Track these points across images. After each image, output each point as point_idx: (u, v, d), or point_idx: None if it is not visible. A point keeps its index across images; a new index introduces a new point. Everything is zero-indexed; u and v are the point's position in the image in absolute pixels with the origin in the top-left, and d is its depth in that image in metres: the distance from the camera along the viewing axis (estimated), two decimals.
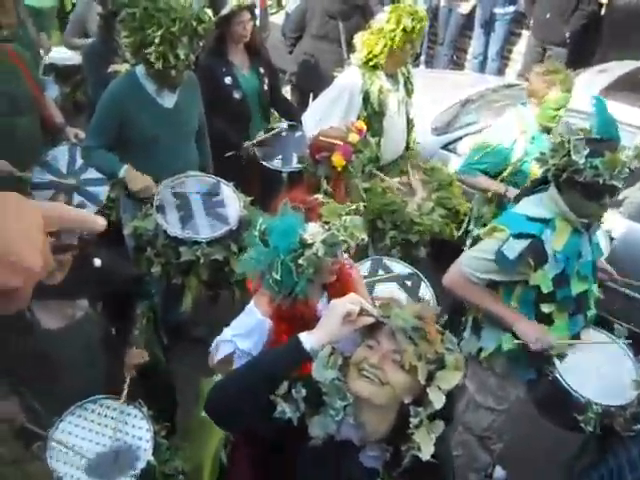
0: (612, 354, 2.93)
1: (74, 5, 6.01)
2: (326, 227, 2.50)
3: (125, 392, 2.74)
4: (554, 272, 2.78)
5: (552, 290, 2.81)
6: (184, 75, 3.53)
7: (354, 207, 2.67)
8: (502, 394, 3.20)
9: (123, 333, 2.88)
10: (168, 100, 3.64)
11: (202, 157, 4.00)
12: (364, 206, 3.91)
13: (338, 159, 3.35)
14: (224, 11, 4.31)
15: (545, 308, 2.86)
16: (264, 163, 4.38)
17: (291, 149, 4.46)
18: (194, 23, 3.30)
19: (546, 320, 2.89)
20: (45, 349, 2.64)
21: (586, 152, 2.60)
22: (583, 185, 2.65)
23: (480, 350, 3.10)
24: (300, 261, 2.40)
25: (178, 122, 3.67)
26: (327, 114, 3.96)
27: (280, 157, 4.46)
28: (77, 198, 4.06)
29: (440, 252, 4.15)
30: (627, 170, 2.62)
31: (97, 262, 2.71)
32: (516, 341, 2.88)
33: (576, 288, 2.86)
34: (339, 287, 2.74)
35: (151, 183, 3.56)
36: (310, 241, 2.42)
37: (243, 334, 2.62)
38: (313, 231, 2.45)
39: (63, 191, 4.05)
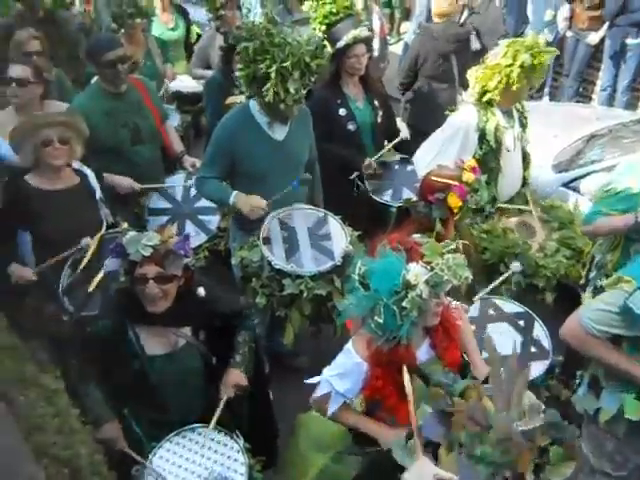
0: None
1: (199, 36, 6.25)
2: (428, 267, 2.42)
3: (217, 415, 2.73)
4: None
5: None
6: (295, 108, 3.54)
7: (453, 245, 2.55)
8: (621, 460, 2.92)
9: (224, 362, 2.89)
10: (279, 133, 3.66)
11: (311, 190, 3.99)
12: (484, 249, 3.79)
13: (454, 200, 3.26)
14: (340, 44, 4.32)
15: None
16: (374, 197, 4.33)
17: (402, 183, 4.39)
18: (308, 59, 3.32)
19: None
20: (148, 375, 2.71)
21: None
22: None
23: (598, 410, 2.85)
24: (404, 303, 2.33)
25: (288, 154, 3.68)
26: (441, 153, 3.86)
27: (390, 191, 4.41)
28: (189, 226, 4.19)
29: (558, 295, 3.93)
30: None
31: (201, 292, 2.78)
32: None
33: None
34: (443, 332, 2.64)
35: (261, 202, 3.57)
36: (413, 282, 2.35)
37: (339, 375, 2.59)
38: (416, 272, 2.38)
39: (177, 218, 4.19)
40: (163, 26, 5.96)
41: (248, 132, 3.60)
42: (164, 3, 6.02)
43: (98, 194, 3.67)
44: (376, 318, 2.35)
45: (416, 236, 2.67)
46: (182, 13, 6.24)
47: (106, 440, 2.65)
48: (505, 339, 3.22)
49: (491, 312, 3.42)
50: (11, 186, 3.50)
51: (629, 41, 7.11)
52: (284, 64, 3.26)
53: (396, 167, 4.57)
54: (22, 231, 3.48)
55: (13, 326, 2.73)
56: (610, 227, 3.59)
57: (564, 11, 7.25)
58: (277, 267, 3.39)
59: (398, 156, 4.61)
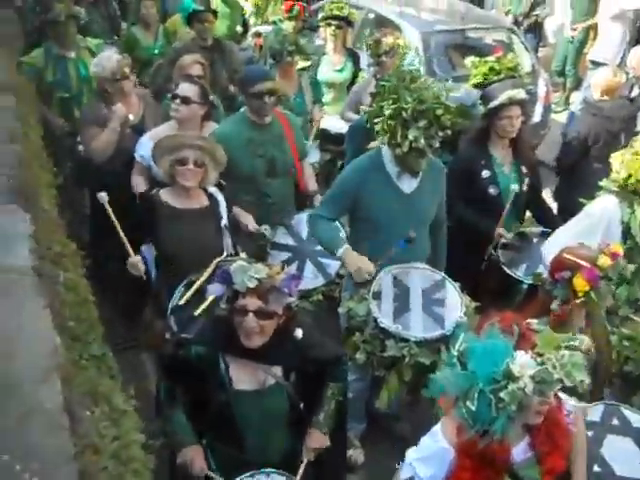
0: None
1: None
2: (539, 359, 2.19)
3: (299, 476, 2.66)
4: None
5: None
6: (422, 161, 3.41)
7: (577, 341, 2.24)
8: None
9: (310, 411, 2.80)
10: (408, 185, 3.54)
11: (434, 250, 3.79)
12: (626, 358, 3.36)
13: (580, 282, 2.95)
14: (493, 103, 4.14)
15: None
16: (504, 268, 4.03)
17: (539, 259, 4.04)
18: (439, 110, 3.17)
19: None
20: (232, 409, 2.65)
21: None
22: None
23: None
24: (502, 394, 2.11)
25: (414, 209, 3.54)
26: (581, 240, 3.50)
27: (524, 265, 4.07)
28: (309, 266, 4.11)
29: None
30: None
31: (299, 333, 2.68)
32: None
33: None
34: (546, 433, 2.34)
35: (368, 268, 3.41)
36: (517, 374, 2.12)
37: (423, 459, 2.39)
38: (522, 362, 2.15)
39: (298, 257, 4.14)
40: (331, 66, 6.06)
41: (376, 179, 3.52)
42: (336, 45, 6.12)
43: (224, 221, 3.71)
44: (468, 403, 2.14)
45: (533, 321, 2.39)
46: (353, 57, 6.33)
47: (186, 463, 2.64)
48: (626, 457, 2.79)
49: (615, 422, 2.97)
50: (145, 198, 3.65)
51: None
52: (405, 106, 3.17)
53: (535, 240, 4.25)
54: (147, 243, 3.57)
55: (110, 336, 2.76)
56: None
57: None
58: (382, 325, 3.22)
59: (539, 229, 4.31)
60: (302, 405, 2.77)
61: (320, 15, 6.20)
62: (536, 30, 9.35)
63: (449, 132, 3.30)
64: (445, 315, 3.30)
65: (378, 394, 3.44)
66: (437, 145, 3.34)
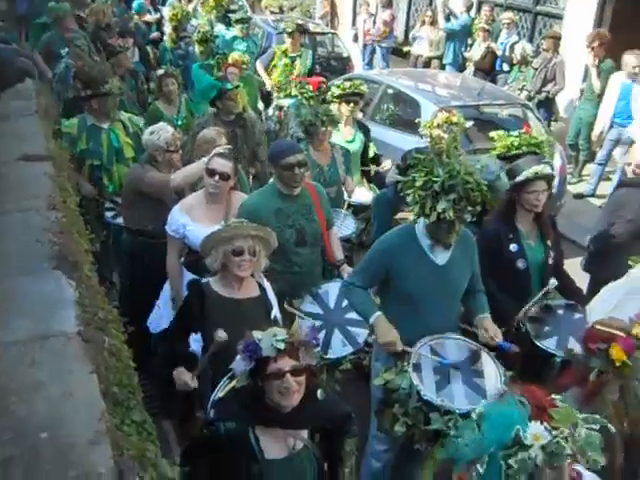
0: None
1: (376, 154, 6.43)
2: (553, 432, 2.15)
3: None
4: None
5: None
6: (454, 234, 3.44)
7: (599, 419, 2.21)
8: None
9: (331, 469, 2.79)
10: (441, 257, 3.56)
11: (480, 308, 3.76)
12: None
13: (617, 352, 2.94)
14: (520, 178, 4.17)
15: None
16: (536, 342, 3.96)
17: (568, 332, 3.96)
18: (470, 187, 3.25)
19: None
20: (265, 478, 2.59)
21: None
22: None
23: None
24: (511, 461, 2.10)
25: (447, 280, 3.56)
26: (619, 307, 3.52)
27: (555, 338, 4.00)
28: (337, 335, 4.09)
29: None
30: None
31: (320, 394, 2.65)
32: None
33: None
34: None
35: (396, 341, 3.43)
36: (528, 442, 2.11)
37: None
38: (535, 432, 2.13)
39: (326, 326, 4.12)
40: (341, 137, 6.19)
41: (409, 251, 3.54)
42: (346, 116, 6.27)
43: (275, 311, 3.67)
44: (478, 467, 2.13)
45: (557, 397, 2.36)
46: (362, 129, 6.48)
47: None
48: None
49: None
50: (194, 287, 3.56)
51: None
52: (435, 179, 3.24)
53: (560, 312, 4.22)
54: (195, 333, 3.50)
55: (149, 404, 2.72)
56: None
57: None
58: (426, 398, 3.19)
59: (564, 301, 4.27)
60: (326, 466, 2.75)
61: (335, 91, 6.36)
62: (548, 105, 9.56)
63: (479, 208, 3.35)
64: (486, 386, 3.27)
65: (414, 468, 3.37)
66: (468, 219, 3.39)
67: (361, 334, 4.04)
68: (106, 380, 2.24)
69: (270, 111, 8.42)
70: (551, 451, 2.12)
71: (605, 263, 4.90)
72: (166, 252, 4.31)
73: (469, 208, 3.33)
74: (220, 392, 3.13)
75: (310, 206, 4.37)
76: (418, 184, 3.38)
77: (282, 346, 2.52)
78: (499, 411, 2.23)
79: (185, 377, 3.31)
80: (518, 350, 3.46)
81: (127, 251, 4.96)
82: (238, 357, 2.63)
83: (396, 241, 3.63)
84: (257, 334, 2.60)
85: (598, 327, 3.11)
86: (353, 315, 4.05)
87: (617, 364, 2.97)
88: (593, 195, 8.84)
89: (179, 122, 6.74)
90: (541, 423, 2.19)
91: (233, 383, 3.07)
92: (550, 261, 4.31)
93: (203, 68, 7.70)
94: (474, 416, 2.29)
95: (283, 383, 2.52)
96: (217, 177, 4.17)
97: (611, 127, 8.55)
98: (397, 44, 13.63)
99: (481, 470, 2.15)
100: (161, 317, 4.35)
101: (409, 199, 3.48)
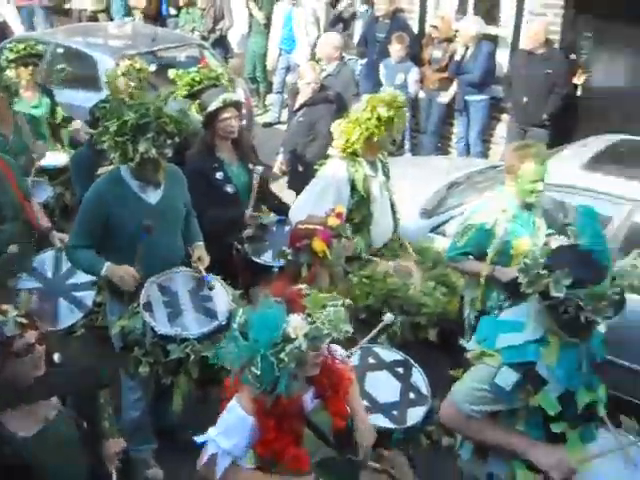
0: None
1: (64, 117, 6.12)
2: (309, 319, 2.41)
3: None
4: (557, 392, 2.52)
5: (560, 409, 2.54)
6: (162, 171, 3.54)
7: (341, 301, 2.57)
8: None
9: (92, 425, 2.75)
10: (153, 196, 3.62)
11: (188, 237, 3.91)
12: (367, 294, 3.86)
13: (318, 244, 3.31)
14: (211, 107, 4.32)
15: (556, 428, 2.57)
16: (253, 258, 4.29)
17: (281, 244, 4.36)
18: (164, 120, 3.36)
19: (558, 439, 2.60)
20: (25, 458, 2.49)
21: (567, 282, 2.36)
22: (565, 321, 2.44)
23: (491, 477, 2.80)
24: (282, 355, 2.32)
25: (164, 217, 3.63)
26: (315, 208, 3.87)
27: (270, 252, 4.35)
28: (63, 303, 4.01)
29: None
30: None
31: (57, 357, 2.67)
32: (531, 472, 2.61)
33: (583, 399, 2.57)
34: (325, 380, 2.64)
35: (132, 272, 3.50)
36: (293, 335, 2.34)
37: (224, 432, 2.51)
38: (296, 324, 2.37)
39: (48, 297, 4.00)
40: (26, 103, 5.80)
41: (119, 197, 3.55)
42: (27, 82, 5.85)
43: None
44: (253, 369, 2.33)
45: (303, 287, 2.66)
46: (47, 93, 6.11)
47: None
48: (384, 387, 3.27)
49: (371, 361, 3.42)
50: None
51: (468, 98, 7.72)
52: (130, 121, 3.31)
53: (274, 228, 4.57)
54: None
55: None
56: (472, 271, 3.90)
57: (414, 74, 7.77)
58: (160, 332, 3.30)
59: (275, 217, 4.62)
60: (85, 424, 2.73)
61: (8, 55, 5.88)
62: (222, 42, 9.91)
63: (178, 139, 3.47)
64: (216, 308, 3.48)
65: (168, 404, 3.51)
66: (170, 154, 3.49)
67: (88, 296, 4.01)
68: None
69: None
70: (313, 336, 2.36)
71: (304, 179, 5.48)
72: None
73: (169, 142, 3.42)
74: None
75: (2, 179, 4.10)
76: (112, 130, 3.37)
77: (25, 320, 2.47)
78: (260, 315, 2.39)
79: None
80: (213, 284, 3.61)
81: None
82: None
83: (105, 189, 3.59)
84: None
85: (300, 226, 3.45)
86: (76, 279, 4.01)
87: (320, 255, 3.33)
88: (279, 122, 9.47)
89: None
90: (297, 314, 2.40)
91: None
92: (255, 182, 4.53)
93: None
94: (236, 326, 2.42)
95: (36, 354, 2.48)
96: None
97: (280, 55, 9.18)
98: (55, 2, 12.78)
99: (257, 371, 2.31)
100: None
101: (106, 146, 3.47)
